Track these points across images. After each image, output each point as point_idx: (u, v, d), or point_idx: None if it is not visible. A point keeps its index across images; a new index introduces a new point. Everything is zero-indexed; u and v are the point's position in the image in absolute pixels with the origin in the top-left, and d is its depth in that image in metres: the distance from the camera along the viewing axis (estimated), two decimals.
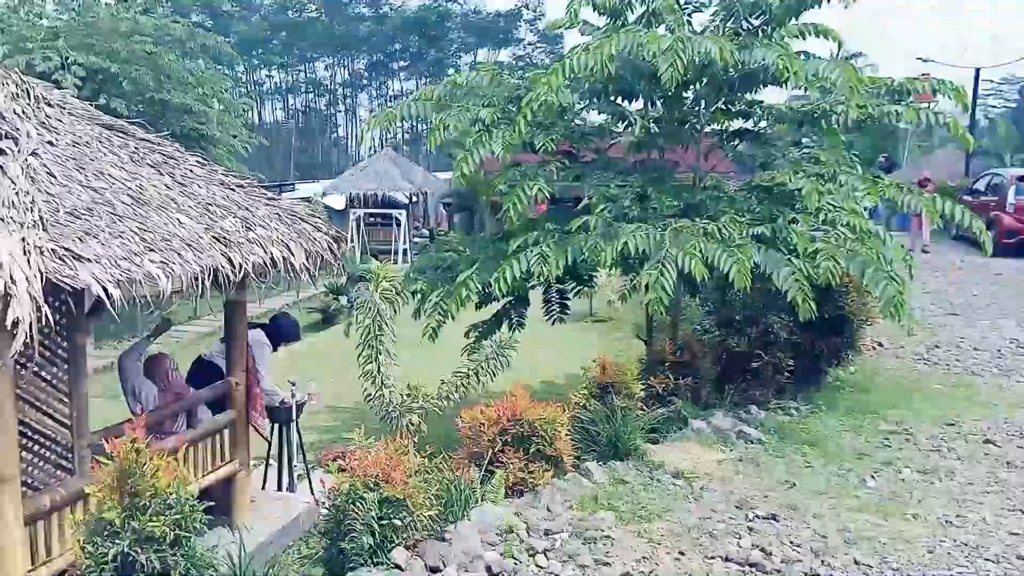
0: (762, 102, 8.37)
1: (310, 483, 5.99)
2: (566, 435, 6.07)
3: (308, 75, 65.84)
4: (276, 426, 6.16)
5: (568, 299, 8.82)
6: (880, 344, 10.57)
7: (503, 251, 7.39)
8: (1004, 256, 17.18)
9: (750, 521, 5.39)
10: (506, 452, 5.63)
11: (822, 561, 4.87)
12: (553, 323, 8.84)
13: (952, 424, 7.58)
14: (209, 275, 4.31)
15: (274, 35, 57.58)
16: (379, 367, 5.84)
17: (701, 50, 6.77)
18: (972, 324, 11.65)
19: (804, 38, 7.68)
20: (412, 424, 6.33)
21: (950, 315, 12.27)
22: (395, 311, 7.78)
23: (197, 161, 5.42)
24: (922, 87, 7.74)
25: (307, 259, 5.20)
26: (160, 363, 5.54)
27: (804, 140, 8.54)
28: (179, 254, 4.18)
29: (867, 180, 7.46)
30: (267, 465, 6.26)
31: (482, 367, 6.58)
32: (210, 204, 4.92)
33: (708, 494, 5.86)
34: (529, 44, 64.03)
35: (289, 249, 5.05)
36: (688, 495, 5.85)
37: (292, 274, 5.08)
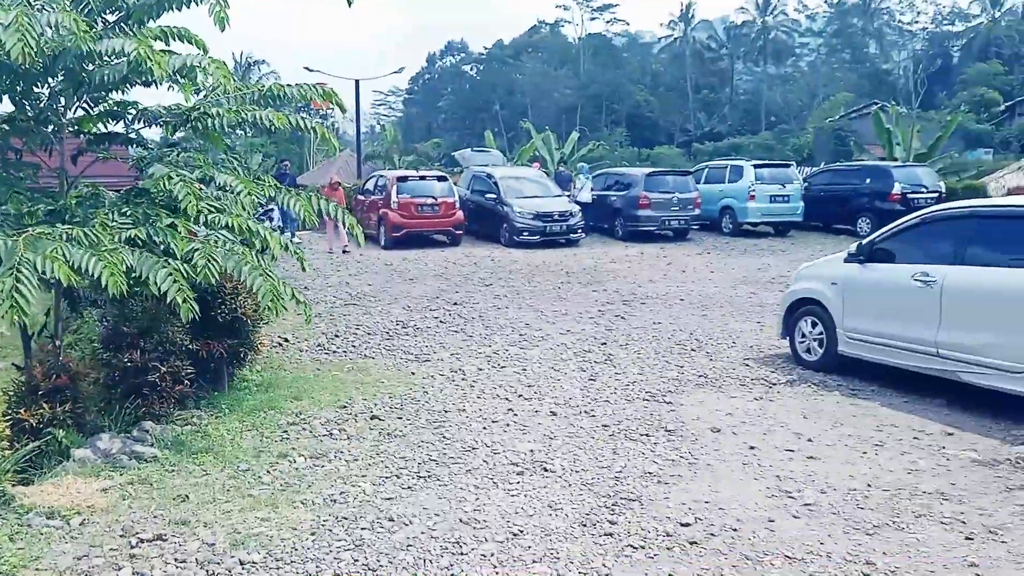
0: (136, 103, 7.94)
1: None
2: None
3: None
4: None
5: None
6: (286, 339, 10.99)
7: None
8: (395, 248, 19.57)
9: (133, 548, 5.01)
10: None
11: (207, 571, 4.77)
12: None
13: (345, 407, 8.16)
14: None
15: None
16: None
17: (53, 23, 6.12)
18: (368, 311, 12.88)
19: (168, 41, 7.44)
20: None
21: (350, 304, 13.40)
22: None
23: None
24: (294, 92, 8.12)
25: None
26: None
27: (186, 144, 8.37)
28: None
29: (246, 182, 7.58)
30: None
31: None
32: None
33: (89, 528, 5.31)
34: None
35: None
36: (65, 535, 5.22)
37: None
